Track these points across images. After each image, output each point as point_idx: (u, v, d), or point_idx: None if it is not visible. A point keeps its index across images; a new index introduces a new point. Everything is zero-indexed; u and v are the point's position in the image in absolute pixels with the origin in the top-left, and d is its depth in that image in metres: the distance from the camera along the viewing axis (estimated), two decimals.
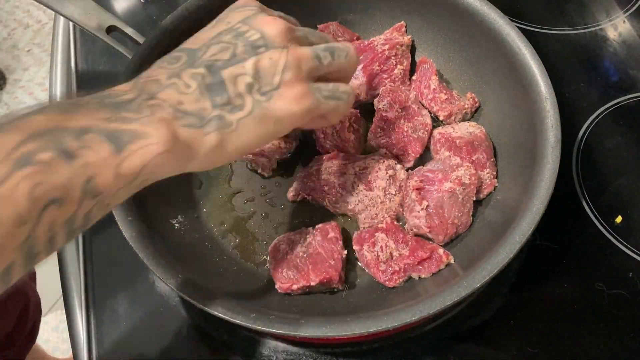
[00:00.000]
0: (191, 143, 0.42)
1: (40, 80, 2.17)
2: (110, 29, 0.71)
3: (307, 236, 0.65)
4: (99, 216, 0.39)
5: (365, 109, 0.74)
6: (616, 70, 0.81)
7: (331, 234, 0.64)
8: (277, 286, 0.62)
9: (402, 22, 0.77)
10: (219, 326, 0.64)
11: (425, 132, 0.70)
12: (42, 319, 1.57)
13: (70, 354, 0.66)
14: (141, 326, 0.65)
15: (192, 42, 0.48)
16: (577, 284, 0.65)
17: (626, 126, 0.76)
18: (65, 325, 0.66)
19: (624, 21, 0.86)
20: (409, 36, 0.76)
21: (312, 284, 0.61)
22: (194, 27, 0.72)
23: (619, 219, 0.69)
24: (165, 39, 0.71)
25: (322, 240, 0.63)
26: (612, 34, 0.85)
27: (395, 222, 0.65)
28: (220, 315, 0.52)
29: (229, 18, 0.49)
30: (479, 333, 0.62)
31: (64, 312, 0.68)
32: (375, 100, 0.72)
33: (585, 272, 0.65)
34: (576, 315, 0.63)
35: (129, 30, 0.71)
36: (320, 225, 0.65)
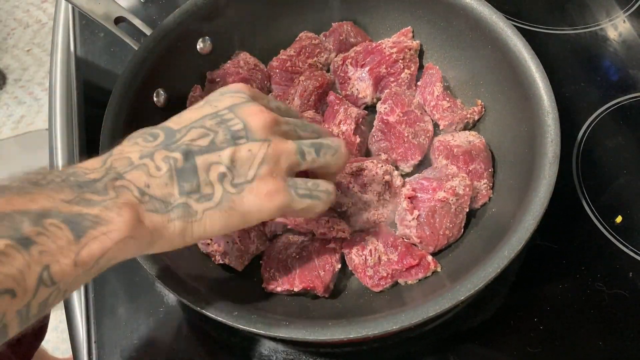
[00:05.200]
0: (154, 228, 0.42)
1: (40, 80, 2.17)
2: (119, 20, 0.71)
3: (306, 239, 0.64)
4: (57, 303, 0.38)
5: (371, 111, 0.74)
6: (616, 70, 0.81)
7: (331, 244, 0.63)
8: (263, 284, 0.62)
9: (409, 27, 0.77)
10: (218, 326, 0.64)
11: (426, 139, 0.70)
12: None
13: (70, 354, 0.66)
14: (141, 326, 0.65)
15: (175, 122, 0.46)
16: (577, 284, 0.65)
17: (626, 126, 0.76)
18: (65, 325, 0.66)
19: (624, 21, 0.86)
20: (418, 41, 0.76)
21: (295, 289, 0.60)
22: (202, 23, 0.74)
23: (619, 219, 0.69)
24: (171, 33, 0.71)
25: (319, 247, 0.63)
26: (612, 33, 0.85)
27: (387, 227, 0.65)
28: (202, 311, 0.52)
29: (217, 102, 0.47)
30: (479, 333, 0.62)
31: (64, 312, 0.68)
32: (378, 104, 0.71)
33: (585, 272, 0.65)
34: (576, 315, 0.63)
35: (137, 22, 0.71)
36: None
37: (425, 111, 0.73)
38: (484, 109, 0.71)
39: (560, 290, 0.64)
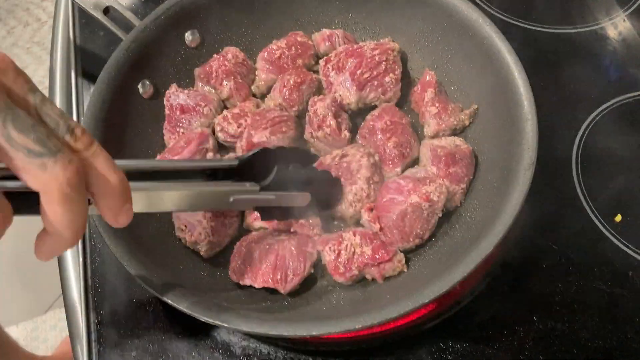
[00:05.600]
0: None
1: (40, 79, 2.17)
2: (108, 10, 0.72)
3: (282, 235, 0.64)
4: None
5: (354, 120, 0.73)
6: (616, 69, 0.81)
7: (309, 249, 0.62)
8: (229, 272, 0.62)
9: (389, 38, 0.76)
10: (218, 327, 0.64)
11: (410, 150, 0.68)
12: (41, 318, 1.58)
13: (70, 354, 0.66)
14: (141, 326, 0.65)
15: None
16: (577, 284, 0.65)
17: (626, 125, 0.76)
18: (64, 324, 0.66)
19: (624, 20, 0.86)
20: (397, 43, 0.74)
21: (256, 287, 0.60)
22: (191, 15, 0.74)
23: (618, 219, 0.69)
24: (161, 24, 0.71)
25: (295, 248, 0.61)
26: (612, 32, 0.85)
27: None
28: (187, 311, 0.53)
29: None
30: (479, 333, 0.62)
31: (63, 310, 0.68)
32: (369, 114, 0.71)
33: (585, 272, 0.65)
34: (576, 315, 0.63)
35: (126, 13, 0.72)
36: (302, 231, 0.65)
37: (418, 115, 0.72)
38: (476, 112, 0.70)
39: (560, 290, 0.64)
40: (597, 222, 0.69)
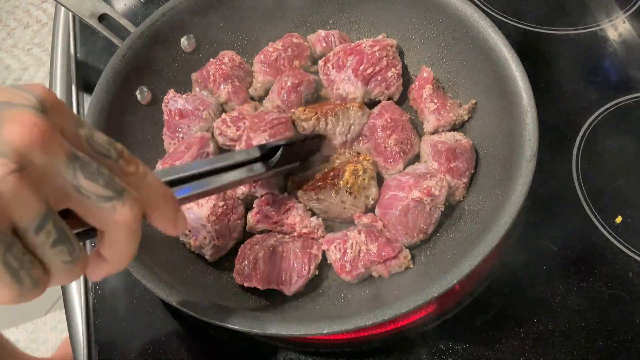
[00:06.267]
0: None
1: (40, 80, 2.17)
2: (103, 17, 0.72)
3: (286, 237, 0.64)
4: None
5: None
6: (616, 71, 0.81)
7: (314, 251, 0.62)
8: (233, 274, 0.62)
9: (383, 33, 0.76)
10: (218, 326, 0.64)
11: (410, 147, 0.69)
12: (41, 319, 1.58)
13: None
14: (141, 326, 0.65)
15: None
16: (577, 284, 0.65)
17: (626, 126, 0.76)
18: (64, 325, 0.66)
19: (624, 21, 0.86)
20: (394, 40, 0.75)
21: (260, 288, 0.60)
22: (186, 20, 0.74)
23: (619, 219, 0.69)
24: (157, 30, 0.71)
25: (300, 250, 0.62)
26: (612, 34, 0.85)
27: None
28: (197, 315, 0.53)
29: None
30: (479, 333, 0.62)
31: (63, 312, 0.68)
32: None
33: (585, 272, 0.65)
34: (576, 315, 0.63)
35: (122, 20, 0.72)
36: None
37: (417, 112, 0.72)
38: (474, 107, 0.71)
39: (560, 290, 0.64)
40: (597, 223, 0.69)
